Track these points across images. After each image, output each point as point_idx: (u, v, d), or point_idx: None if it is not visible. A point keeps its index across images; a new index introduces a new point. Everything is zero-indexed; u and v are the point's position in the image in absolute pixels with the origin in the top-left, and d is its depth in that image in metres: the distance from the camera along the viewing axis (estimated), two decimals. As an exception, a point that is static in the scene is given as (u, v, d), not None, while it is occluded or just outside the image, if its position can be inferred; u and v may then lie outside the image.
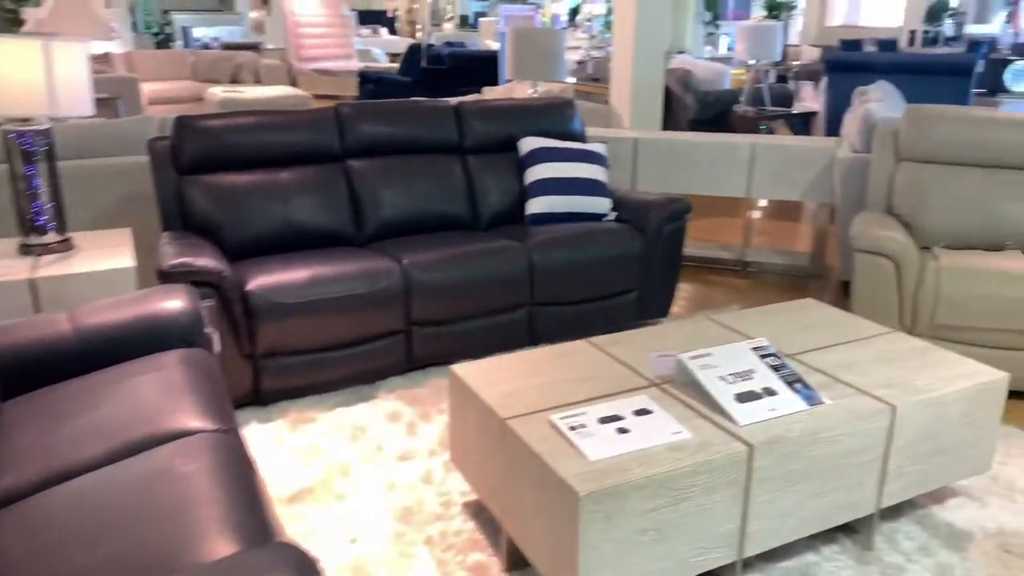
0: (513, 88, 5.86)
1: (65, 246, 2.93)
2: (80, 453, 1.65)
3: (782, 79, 9.48)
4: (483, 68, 9.27)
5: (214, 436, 1.72)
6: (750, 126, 6.74)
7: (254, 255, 3.24)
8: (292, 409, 2.96)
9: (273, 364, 2.93)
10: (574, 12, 18.53)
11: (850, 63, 6.56)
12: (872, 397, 2.14)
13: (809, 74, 9.77)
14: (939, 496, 2.47)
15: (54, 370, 2.00)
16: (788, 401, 2.06)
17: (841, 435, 2.02)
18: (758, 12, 18.19)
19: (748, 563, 2.13)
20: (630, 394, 2.13)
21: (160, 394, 1.85)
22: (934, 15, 14.37)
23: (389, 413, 2.93)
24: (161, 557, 1.28)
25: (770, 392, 2.08)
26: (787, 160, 4.40)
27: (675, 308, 4.03)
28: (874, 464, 2.11)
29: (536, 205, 3.65)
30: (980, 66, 13.88)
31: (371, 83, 10.02)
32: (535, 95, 5.27)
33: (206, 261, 2.76)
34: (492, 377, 2.24)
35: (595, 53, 9.80)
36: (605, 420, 1.97)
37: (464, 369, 2.30)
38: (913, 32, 14.17)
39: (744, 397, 2.05)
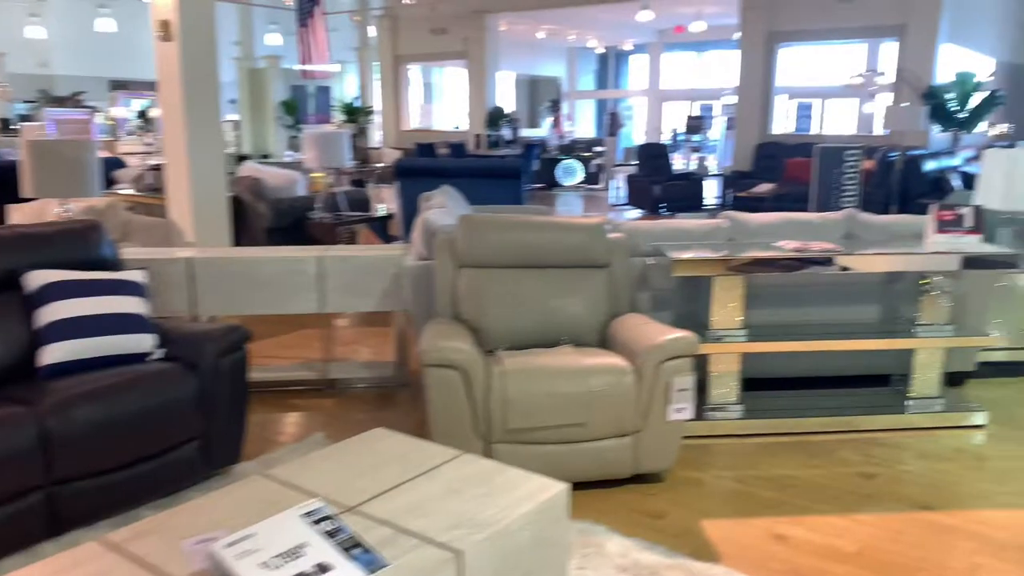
0: (44, 207, 5.00)
1: None
2: None
3: (359, 183, 9.66)
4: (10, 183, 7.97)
5: None
6: (328, 233, 6.61)
7: None
8: None
9: None
10: (143, 115, 17.31)
11: (417, 168, 6.80)
12: (437, 546, 1.93)
13: (389, 177, 10.09)
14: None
15: None
16: (345, 575, 1.76)
17: (408, 602, 1.76)
18: (337, 117, 18.73)
19: None
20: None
21: None
22: (493, 121, 16.03)
23: None
24: None
25: (324, 569, 1.76)
26: (358, 270, 4.26)
27: (250, 447, 3.57)
28: (450, 622, 1.89)
29: (53, 353, 2.98)
30: (536, 164, 15.74)
31: None
32: (67, 214, 4.51)
33: None
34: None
35: (157, 160, 9.01)
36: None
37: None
38: (478, 136, 15.62)
39: (292, 584, 1.69)
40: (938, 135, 12.41)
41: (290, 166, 8.91)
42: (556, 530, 2.25)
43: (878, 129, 14.26)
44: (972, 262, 3.75)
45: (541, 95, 23.20)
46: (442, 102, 24.03)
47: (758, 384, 4.19)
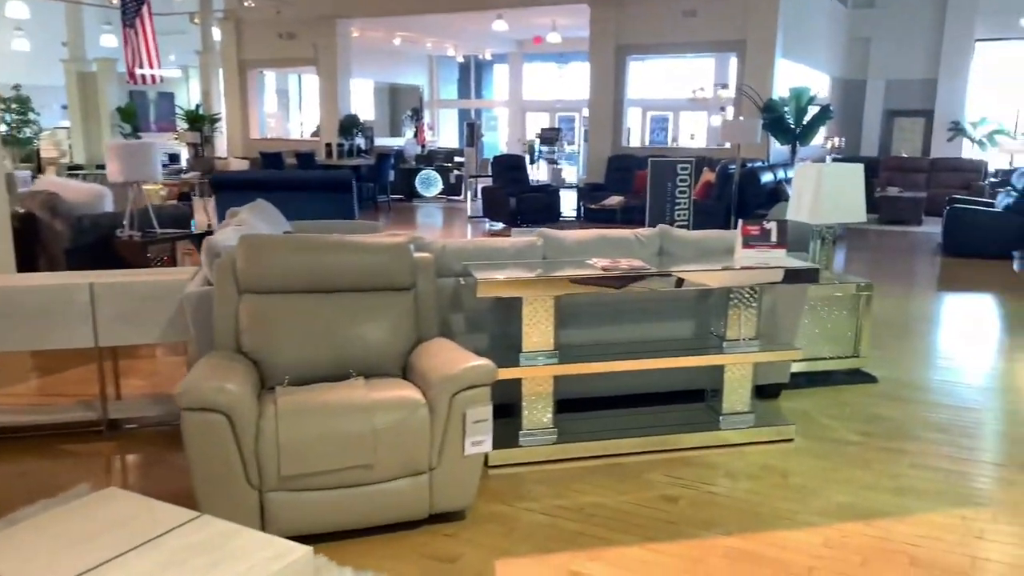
0: None
1: None
2: None
3: (186, 196, 9.05)
4: None
5: None
6: (137, 253, 6.08)
7: None
8: None
9: None
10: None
11: (236, 181, 6.37)
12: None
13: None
14: None
15: None
16: None
17: None
18: (181, 124, 17.76)
19: None
20: None
21: None
22: (346, 130, 15.57)
23: None
24: None
25: None
26: (138, 298, 3.84)
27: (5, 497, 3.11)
28: None
29: None
30: (392, 175, 15.36)
31: None
32: None
33: None
34: None
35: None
36: None
37: None
38: (329, 145, 15.12)
39: None
40: (778, 148, 12.97)
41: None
42: (295, 602, 1.97)
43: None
44: (775, 276, 3.75)
45: (403, 104, 22.85)
46: (300, 110, 23.27)
47: (575, 405, 4.07)
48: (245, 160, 15.77)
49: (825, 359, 4.78)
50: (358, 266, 3.45)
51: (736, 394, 3.95)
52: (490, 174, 13.27)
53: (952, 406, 4.40)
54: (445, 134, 23.45)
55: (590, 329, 4.05)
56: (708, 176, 10.76)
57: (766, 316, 4.25)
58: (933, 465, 3.63)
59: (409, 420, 2.94)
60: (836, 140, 14.51)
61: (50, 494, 3.27)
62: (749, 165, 10.72)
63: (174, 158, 19.14)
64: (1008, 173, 13.15)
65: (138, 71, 11.43)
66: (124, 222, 6.30)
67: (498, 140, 23.17)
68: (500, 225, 12.32)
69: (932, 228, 12.03)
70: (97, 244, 6.14)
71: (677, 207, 6.90)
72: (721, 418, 3.94)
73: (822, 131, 13.35)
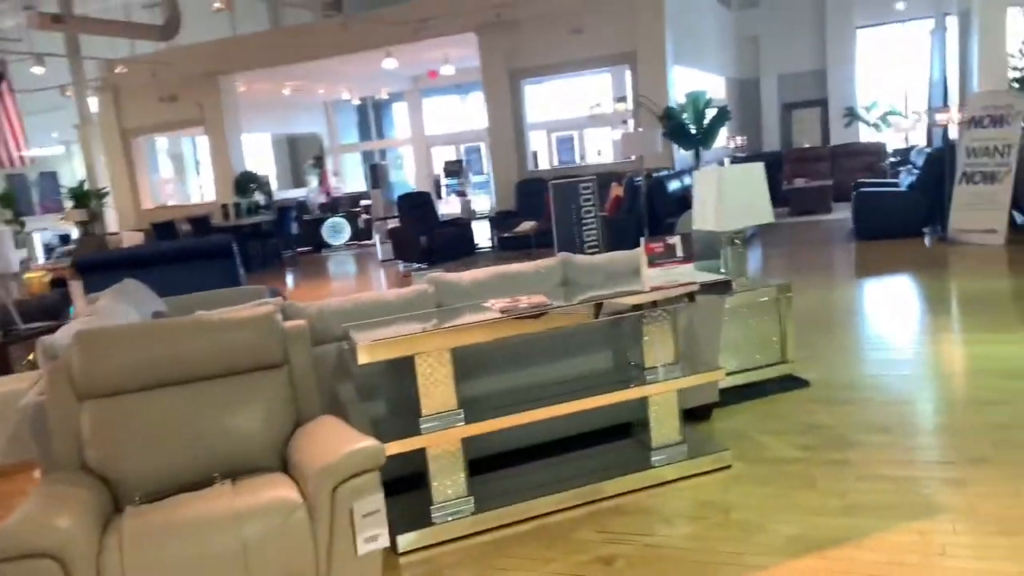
0: None
1: None
2: None
3: (61, 282, 8.38)
4: None
5: None
6: (-2, 354, 5.46)
7: None
8: None
9: None
10: None
11: (104, 262, 5.82)
12: None
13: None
14: None
15: None
16: None
17: None
18: (67, 203, 16.83)
19: None
20: None
21: None
22: (242, 187, 14.96)
23: None
24: None
25: None
26: (-31, 417, 3.30)
27: None
28: None
29: None
30: (295, 227, 14.79)
31: None
32: None
33: None
34: None
35: None
36: None
37: None
38: (225, 206, 14.49)
39: None
40: (682, 154, 12.93)
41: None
42: None
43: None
44: (684, 294, 3.45)
45: (303, 153, 22.27)
46: (198, 172, 22.44)
47: (491, 463, 3.68)
48: (139, 232, 14.98)
49: (753, 369, 4.51)
50: (216, 348, 3.00)
51: (664, 425, 3.62)
52: (394, 215, 12.86)
53: (888, 402, 4.17)
54: (352, 178, 22.94)
55: (500, 375, 3.68)
56: (616, 191, 10.57)
57: (685, 336, 3.94)
58: (880, 473, 3.36)
59: (286, 526, 2.50)
60: (738, 139, 14.62)
61: None
62: (655, 175, 10.59)
63: (65, 239, 18.14)
64: (906, 152, 13.41)
65: (3, 153, 10.66)
66: (-18, 322, 5.67)
67: (406, 179, 22.77)
68: (416, 265, 11.90)
69: (842, 214, 12.10)
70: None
71: (585, 227, 6.63)
72: (652, 454, 3.60)
73: (723, 132, 13.40)
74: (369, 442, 2.64)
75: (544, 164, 19.68)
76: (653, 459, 3.58)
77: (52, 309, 6.32)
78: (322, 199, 18.52)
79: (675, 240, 3.66)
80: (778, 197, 14.05)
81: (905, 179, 10.25)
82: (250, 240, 14.14)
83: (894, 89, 16.73)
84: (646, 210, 9.58)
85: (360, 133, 23.76)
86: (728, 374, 4.41)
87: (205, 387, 2.98)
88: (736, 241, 4.53)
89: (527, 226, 11.22)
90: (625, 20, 12.59)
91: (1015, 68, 10.00)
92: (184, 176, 22.18)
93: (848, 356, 5.03)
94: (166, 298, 5.40)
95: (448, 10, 12.87)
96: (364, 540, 2.60)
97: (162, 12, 12.95)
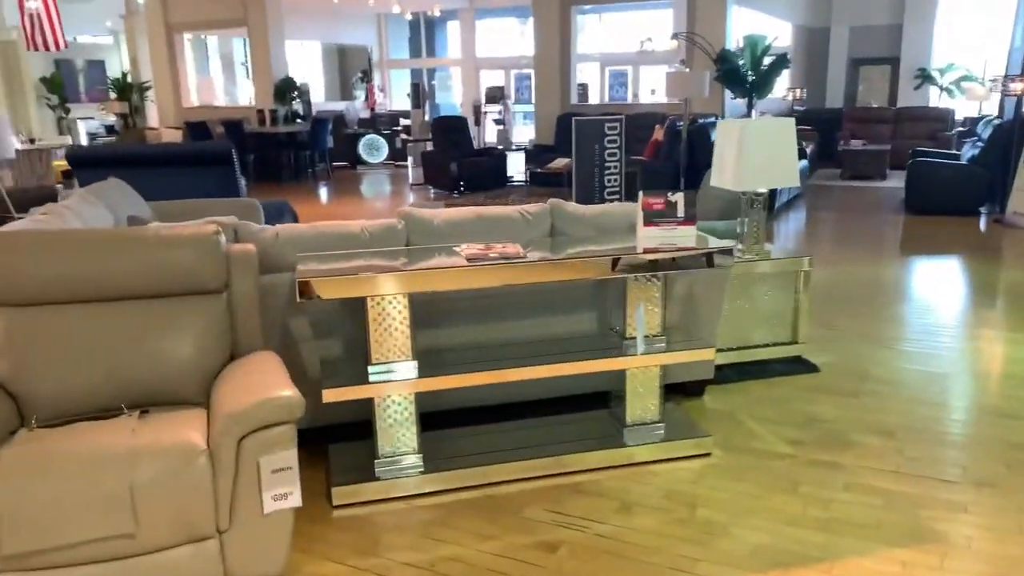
0: None
1: None
2: None
3: (70, 174, 8.21)
4: None
5: None
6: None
7: None
8: None
9: None
10: None
11: (99, 158, 5.57)
12: None
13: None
14: None
15: None
16: None
17: None
18: (112, 95, 16.72)
19: None
20: None
21: None
22: (281, 94, 14.64)
23: None
24: None
25: None
26: None
27: None
28: None
29: None
30: (330, 141, 14.50)
31: None
32: None
33: None
34: None
35: None
36: None
37: None
38: (261, 112, 14.20)
39: None
40: (734, 102, 12.24)
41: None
42: None
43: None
44: (678, 261, 3.06)
45: (352, 66, 21.79)
46: (248, 76, 22.09)
47: (448, 418, 3.40)
48: (178, 130, 14.82)
49: (758, 347, 4.13)
50: (149, 266, 2.72)
51: (642, 401, 3.29)
52: (428, 138, 12.46)
53: (900, 400, 3.77)
54: (400, 96, 22.44)
55: (466, 327, 3.36)
56: (658, 134, 10.03)
57: (681, 304, 3.58)
58: (872, 484, 3.00)
59: (182, 473, 2.24)
60: (798, 91, 13.80)
61: None
62: (700, 121, 9.99)
63: (111, 130, 18.11)
64: (975, 122, 12.53)
65: (37, 37, 10.45)
66: (-29, 207, 5.50)
67: (454, 101, 22.21)
68: (456, 193, 11.56)
69: (897, 183, 11.41)
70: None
71: (607, 172, 6.19)
72: (625, 431, 3.28)
73: (783, 83, 12.63)
74: (285, 392, 2.35)
75: (595, 99, 18.99)
76: (625, 437, 3.27)
77: (51, 200, 6.12)
78: (365, 114, 18.13)
79: (677, 197, 3.26)
80: (832, 157, 13.40)
81: (967, 151, 9.53)
82: (283, 149, 13.90)
83: (973, 53, 15.61)
84: (685, 158, 9.05)
85: (411, 50, 23.14)
86: (730, 349, 4.05)
87: (132, 307, 2.72)
88: (756, 204, 4.10)
89: (561, 163, 10.74)
90: (692, -48, 11.78)
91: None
92: (234, 77, 21.88)
93: (869, 343, 4.61)
94: (154, 202, 5.16)
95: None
96: (272, 498, 2.35)
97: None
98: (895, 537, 2.64)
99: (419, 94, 15.76)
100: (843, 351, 4.43)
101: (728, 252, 3.10)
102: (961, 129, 13.15)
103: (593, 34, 19.06)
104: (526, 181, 12.29)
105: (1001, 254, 7.02)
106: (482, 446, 3.23)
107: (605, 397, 3.56)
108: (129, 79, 16.26)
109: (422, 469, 3.07)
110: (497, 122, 14.90)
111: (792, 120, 3.90)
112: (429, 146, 12.52)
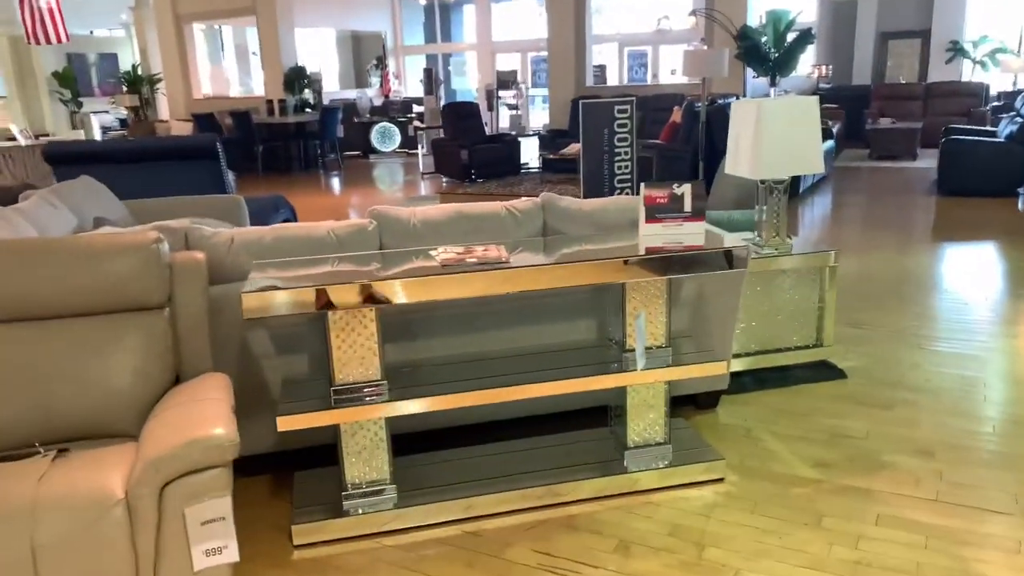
0: None
1: None
2: None
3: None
4: None
5: None
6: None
7: None
8: None
9: None
10: None
11: (76, 154, 5.28)
12: None
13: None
14: None
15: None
16: None
17: None
18: (123, 87, 16.53)
19: None
20: None
21: None
22: (290, 84, 14.34)
23: None
24: None
25: None
26: None
27: None
28: None
29: None
30: (340, 130, 14.18)
31: None
32: None
33: None
34: None
35: None
36: None
37: None
38: (270, 102, 13.91)
39: None
40: (756, 82, 11.74)
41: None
42: None
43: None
44: (684, 262, 2.68)
45: (367, 53, 21.44)
46: (262, 66, 21.80)
47: (427, 439, 3.07)
48: (188, 122, 14.58)
49: (779, 351, 3.74)
50: (77, 280, 2.40)
51: (645, 420, 2.92)
52: (438, 125, 12.10)
53: (940, 411, 3.37)
54: (413, 83, 22.06)
55: (444, 339, 3.01)
56: (675, 116, 9.58)
57: (691, 308, 3.20)
58: (908, 517, 2.61)
59: (92, 528, 1.92)
60: (823, 68, 13.23)
61: None
62: (720, 102, 9.52)
63: (124, 123, 17.94)
64: (1011, 96, 11.91)
65: (38, 31, 10.21)
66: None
67: (469, 86, 21.79)
68: (467, 181, 11.20)
69: (928, 163, 10.87)
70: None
71: (617, 158, 5.79)
72: (626, 455, 2.92)
73: (808, 59, 12.09)
74: (215, 430, 2.02)
75: (613, 80, 18.48)
76: (626, 461, 2.90)
77: (13, 201, 5.85)
78: (378, 102, 17.79)
79: (683, 189, 2.87)
80: (859, 137, 12.84)
81: (1005, 128, 8.98)
82: (292, 140, 13.62)
83: (1008, 24, 14.89)
84: (704, 140, 8.60)
85: (426, 35, 22.73)
86: (747, 354, 3.66)
87: (58, 327, 2.40)
88: (776, 192, 3.69)
89: (574, 148, 10.33)
90: (710, -75, 11.26)
91: None
92: (248, 68, 21.63)
93: (902, 342, 4.19)
94: (129, 201, 4.86)
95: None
96: (203, 553, 2.02)
97: None
98: (937, 587, 2.27)
99: (432, 80, 15.39)
100: (873, 353, 4.02)
101: (742, 252, 2.71)
102: (996, 104, 12.54)
103: (611, 14, 18.52)
104: (540, 168, 11.90)
105: (1045, 238, 6.53)
106: (464, 473, 2.88)
107: (606, 412, 3.20)
108: (139, 72, 16.04)
109: (395, 501, 2.73)
110: (511, 107, 14.49)
111: (816, 99, 3.49)
112: (441, 133, 12.16)
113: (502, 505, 2.75)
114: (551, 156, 10.80)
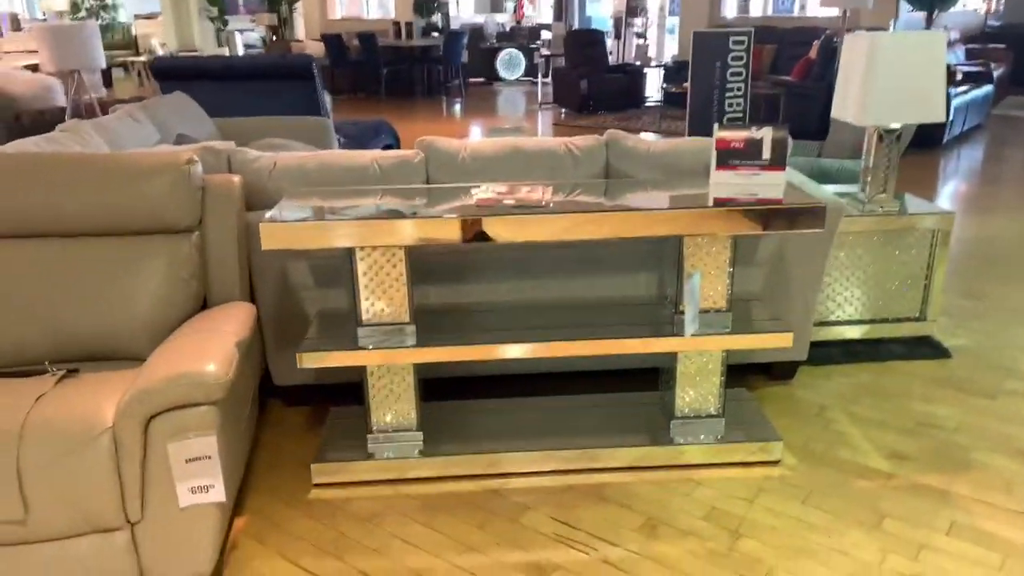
0: None
1: None
2: None
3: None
4: None
5: None
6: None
7: None
8: None
9: None
10: None
11: (180, 69, 5.35)
12: None
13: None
14: None
15: None
16: None
17: None
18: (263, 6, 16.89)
19: None
20: None
21: None
22: (420, 6, 14.21)
23: None
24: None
25: None
26: None
27: None
28: None
29: None
30: (465, 56, 14.01)
31: None
32: None
33: None
34: None
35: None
36: None
37: None
38: (398, 24, 13.84)
39: None
40: (910, 16, 10.62)
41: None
42: None
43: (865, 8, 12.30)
44: (749, 218, 2.35)
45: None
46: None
47: (462, 387, 2.92)
48: (320, 43, 14.76)
49: (874, 322, 3.34)
50: (103, 198, 2.37)
51: (697, 388, 2.65)
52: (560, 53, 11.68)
53: (1058, 406, 2.91)
54: (547, 9, 21.45)
55: (492, 283, 2.82)
56: (811, 52, 8.79)
57: (769, 269, 2.87)
58: (987, 529, 2.25)
59: (80, 455, 1.89)
60: (993, 2, 11.79)
61: None
62: (865, 37, 8.64)
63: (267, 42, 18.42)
64: None
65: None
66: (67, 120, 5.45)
67: (603, 13, 20.97)
68: (584, 113, 10.83)
69: (1109, 114, 9.57)
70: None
71: (729, 93, 5.33)
72: (672, 424, 2.67)
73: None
74: (205, 367, 1.93)
75: (756, 11, 17.27)
76: (672, 431, 2.66)
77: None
78: (497, 28, 17.40)
79: (763, 132, 2.52)
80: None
81: None
82: (417, 64, 13.54)
83: None
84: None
85: (564, -42, 21.92)
86: (836, 322, 3.29)
87: (80, 246, 2.38)
88: (887, 141, 3.24)
89: (699, 83, 9.71)
90: None
91: None
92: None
93: (1023, 323, 3.67)
94: (222, 119, 4.89)
95: None
96: (188, 490, 1.96)
97: None
98: (1003, 621, 1.94)
99: (562, 5, 14.84)
100: (985, 331, 3.53)
101: (830, 210, 2.35)
102: None
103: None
104: (661, 101, 11.32)
105: None
106: (495, 427, 2.72)
107: (655, 374, 2.94)
108: (278, -11, 16.30)
109: (421, 448, 2.61)
110: (638, 35, 13.80)
111: (941, 35, 2.99)
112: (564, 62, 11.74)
113: (530, 464, 2.58)
114: (673, 89, 10.22)
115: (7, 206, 2.31)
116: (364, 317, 2.50)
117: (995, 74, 9.33)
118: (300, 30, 17.56)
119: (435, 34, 14.30)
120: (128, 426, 1.89)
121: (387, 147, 6.68)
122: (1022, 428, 2.76)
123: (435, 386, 2.96)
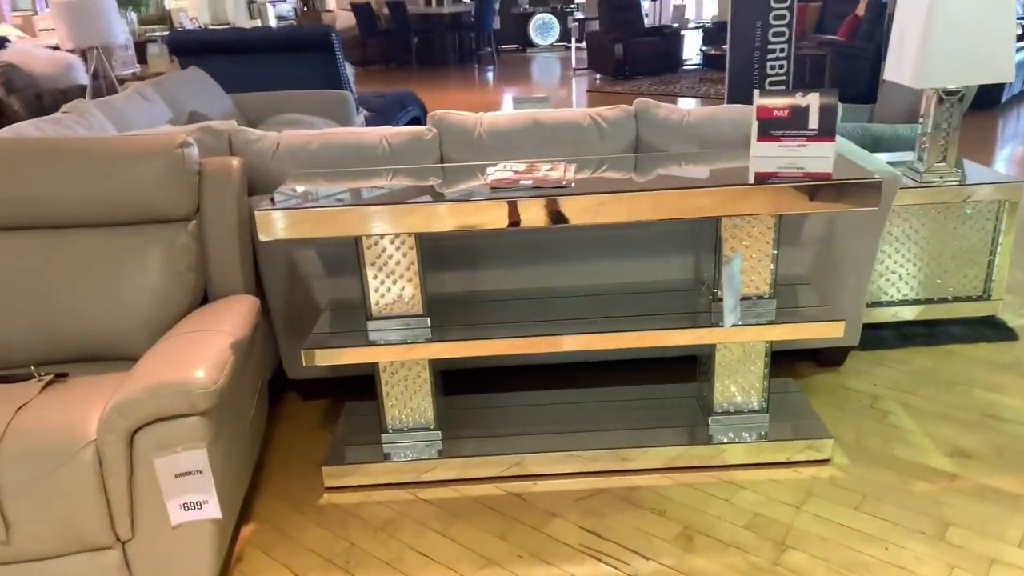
0: None
1: None
2: None
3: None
4: None
5: None
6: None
7: None
8: None
9: None
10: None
11: (198, 44, 5.18)
12: None
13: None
14: None
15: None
16: None
17: None
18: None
19: None
20: None
21: None
22: (449, -29, 13.87)
23: None
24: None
25: None
26: None
27: None
28: None
29: None
30: (496, 22, 13.69)
31: None
32: None
33: None
34: None
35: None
36: None
37: None
38: (426, -9, 13.56)
39: None
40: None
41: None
42: None
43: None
44: (795, 194, 2.11)
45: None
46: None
47: (485, 378, 2.74)
48: (350, 12, 14.54)
49: (932, 302, 3.07)
50: (92, 187, 2.21)
51: (738, 381, 2.43)
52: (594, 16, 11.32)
53: None
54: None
55: (514, 268, 2.62)
56: (860, 8, 8.33)
57: (817, 249, 2.62)
58: (1070, 543, 2.01)
59: (59, 472, 1.74)
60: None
61: None
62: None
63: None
64: None
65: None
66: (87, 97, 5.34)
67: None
68: (620, 78, 10.49)
69: None
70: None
71: (770, 56, 5.00)
72: (711, 420, 2.46)
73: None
74: (191, 374, 1.76)
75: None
76: (711, 429, 2.44)
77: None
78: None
79: (809, 99, 2.26)
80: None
81: None
82: (448, 32, 13.26)
83: None
84: (887, 41, 7.42)
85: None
86: (890, 303, 3.03)
87: (68, 238, 2.23)
88: (948, 105, 2.94)
89: (740, 44, 9.30)
90: None
91: None
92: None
93: (1103, 296, 3.36)
94: (239, 94, 4.72)
95: None
96: (180, 507, 1.81)
97: None
98: (1091, 654, 1.71)
99: (596, -34, 14.38)
100: (1062, 310, 3.25)
101: (885, 184, 2.09)
102: None
103: None
104: (701, 64, 10.92)
105: None
106: (519, 423, 2.53)
107: (692, 364, 2.72)
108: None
109: (439, 448, 2.44)
110: (675, -4, 13.33)
111: (1010, -17, 2.67)
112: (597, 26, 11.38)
113: (556, 465, 2.40)
114: (712, 52, 9.83)
115: (3, 196, 2.16)
116: (374, 310, 2.32)
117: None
118: (331, 0, 17.34)
119: (466, 0, 13.98)
120: (110, 440, 1.74)
121: (413, 120, 6.47)
122: (1102, 422, 2.49)
123: (451, 377, 2.79)
